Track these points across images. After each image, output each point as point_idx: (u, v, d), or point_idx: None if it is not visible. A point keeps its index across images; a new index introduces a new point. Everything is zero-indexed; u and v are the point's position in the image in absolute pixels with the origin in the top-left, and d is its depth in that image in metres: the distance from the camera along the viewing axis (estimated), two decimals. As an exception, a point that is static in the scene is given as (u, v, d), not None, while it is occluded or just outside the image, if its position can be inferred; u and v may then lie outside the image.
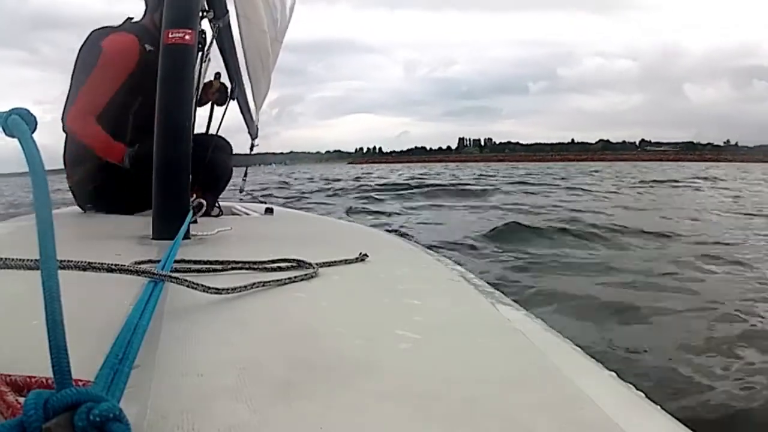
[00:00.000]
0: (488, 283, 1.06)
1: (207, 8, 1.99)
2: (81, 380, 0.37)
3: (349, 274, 1.00)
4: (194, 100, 1.74)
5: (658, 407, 0.54)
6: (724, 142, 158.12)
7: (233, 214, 2.57)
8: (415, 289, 0.96)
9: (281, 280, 0.86)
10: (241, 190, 3.46)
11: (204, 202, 1.51)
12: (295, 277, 0.89)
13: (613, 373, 0.61)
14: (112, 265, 0.67)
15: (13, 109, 0.39)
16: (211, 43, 2.14)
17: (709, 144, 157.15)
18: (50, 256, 0.33)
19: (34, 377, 0.38)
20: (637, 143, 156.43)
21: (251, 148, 3.71)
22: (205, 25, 2.12)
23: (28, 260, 0.67)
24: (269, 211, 2.60)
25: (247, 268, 0.95)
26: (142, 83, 2.01)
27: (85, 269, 0.65)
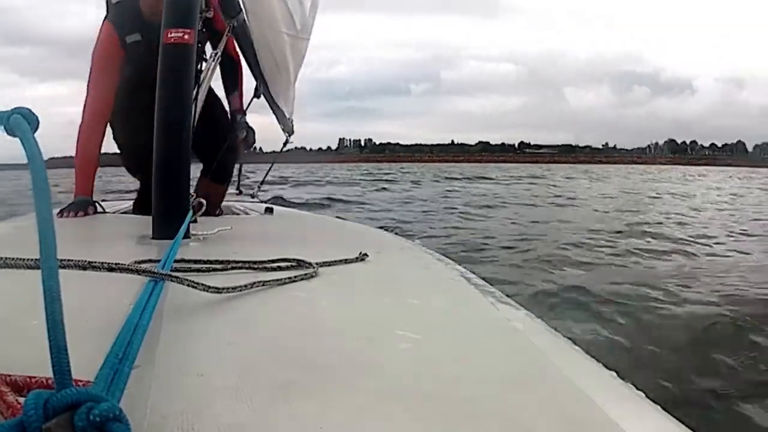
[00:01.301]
0: (487, 281, 1.06)
1: (206, 6, 1.97)
2: (81, 380, 0.37)
3: (349, 273, 1.00)
4: (194, 100, 1.73)
5: (658, 407, 0.54)
6: (603, 145, 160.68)
7: (233, 213, 2.57)
8: (415, 288, 0.96)
9: (281, 279, 0.86)
10: (253, 196, 3.45)
11: (204, 202, 1.50)
12: (295, 276, 0.89)
13: (614, 373, 0.62)
14: (112, 264, 0.67)
15: (14, 109, 0.39)
16: (223, 41, 2.12)
17: (587, 147, 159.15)
18: (51, 255, 0.33)
19: (34, 377, 0.38)
20: (516, 145, 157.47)
21: (284, 144, 3.71)
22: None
23: (28, 259, 0.67)
24: (269, 210, 2.60)
25: (247, 268, 0.95)
26: (133, 81, 1.94)
27: (85, 268, 0.65)
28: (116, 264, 0.67)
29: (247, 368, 0.51)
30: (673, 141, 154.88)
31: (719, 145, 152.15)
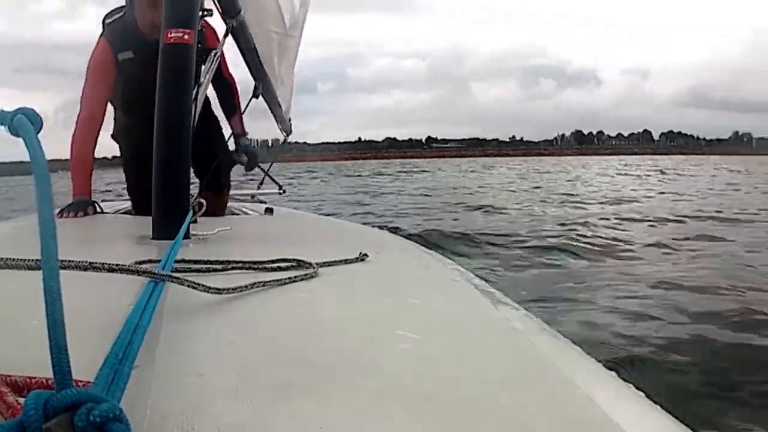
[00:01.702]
0: (487, 281, 1.06)
1: (207, 8, 1.98)
2: (81, 380, 0.37)
3: (349, 274, 1.00)
4: (194, 100, 1.74)
5: (658, 406, 0.54)
6: (510, 138, 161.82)
7: (233, 214, 2.57)
8: (415, 289, 0.96)
9: (281, 279, 0.86)
10: (252, 197, 3.46)
11: (204, 202, 1.51)
12: (295, 276, 0.89)
13: (613, 373, 0.62)
14: (112, 265, 0.67)
15: (18, 109, 0.39)
16: (223, 41, 2.14)
17: (495, 140, 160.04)
18: (51, 255, 0.33)
19: (34, 377, 0.38)
20: (424, 140, 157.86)
21: (284, 143, 3.72)
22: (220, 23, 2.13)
23: (29, 260, 0.67)
24: (269, 211, 2.60)
25: (247, 268, 0.95)
26: (126, 96, 2.10)
27: (85, 269, 0.65)
28: (117, 265, 0.67)
29: (247, 368, 0.51)
30: (579, 132, 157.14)
31: (625, 134, 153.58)
